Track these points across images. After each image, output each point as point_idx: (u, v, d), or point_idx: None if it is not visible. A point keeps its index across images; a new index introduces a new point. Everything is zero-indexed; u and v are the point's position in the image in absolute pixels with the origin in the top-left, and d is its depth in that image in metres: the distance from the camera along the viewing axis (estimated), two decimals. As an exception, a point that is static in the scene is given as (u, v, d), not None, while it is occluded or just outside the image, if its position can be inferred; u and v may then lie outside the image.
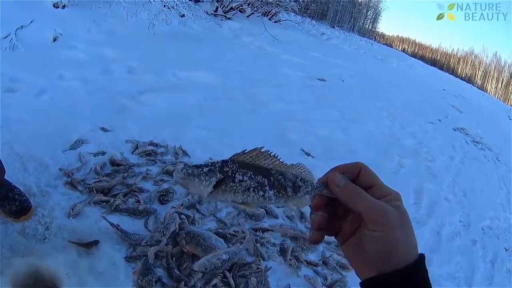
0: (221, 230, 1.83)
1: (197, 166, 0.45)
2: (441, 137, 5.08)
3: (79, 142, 2.26)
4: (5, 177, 1.58)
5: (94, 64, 3.74)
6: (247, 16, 8.70)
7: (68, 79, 3.25)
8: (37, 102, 2.72)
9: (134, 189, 1.96)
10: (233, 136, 2.94)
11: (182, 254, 1.61)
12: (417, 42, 45.51)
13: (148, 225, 1.75)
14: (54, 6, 4.70)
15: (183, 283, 1.46)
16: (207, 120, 3.14)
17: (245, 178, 0.45)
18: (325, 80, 5.84)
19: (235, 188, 0.45)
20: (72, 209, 1.69)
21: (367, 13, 28.41)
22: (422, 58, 31.69)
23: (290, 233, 1.97)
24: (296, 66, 6.12)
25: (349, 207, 0.45)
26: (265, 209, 2.10)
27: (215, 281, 1.51)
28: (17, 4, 4.12)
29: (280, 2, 8.78)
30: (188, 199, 1.97)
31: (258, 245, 1.80)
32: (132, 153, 2.33)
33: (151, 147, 2.41)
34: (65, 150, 2.16)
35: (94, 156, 2.18)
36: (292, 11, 10.53)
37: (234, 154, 0.46)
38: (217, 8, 7.72)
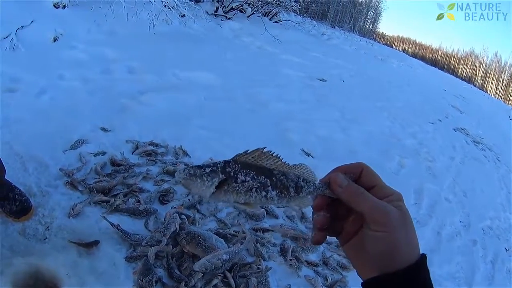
0: (221, 230, 1.83)
1: (199, 167, 0.45)
2: (441, 137, 5.08)
3: (79, 142, 2.26)
4: (6, 177, 1.58)
5: (95, 64, 3.74)
6: (248, 16, 8.70)
7: (68, 79, 3.25)
8: (38, 102, 2.72)
9: (135, 189, 1.95)
10: (233, 136, 2.94)
11: (183, 254, 1.61)
12: (417, 42, 45.54)
13: (149, 225, 1.75)
14: (54, 6, 4.70)
15: (183, 283, 1.46)
16: (207, 120, 3.14)
17: (248, 178, 0.45)
18: (325, 80, 5.84)
19: (237, 188, 0.45)
20: (73, 209, 1.68)
21: (367, 13, 28.43)
22: (423, 59, 31.70)
23: (291, 233, 1.97)
24: (297, 66, 6.12)
25: (352, 207, 0.45)
26: (266, 209, 2.10)
27: (215, 281, 1.51)
28: (18, 4, 4.13)
29: (280, 2, 8.78)
30: (189, 199, 1.97)
31: (258, 245, 1.80)
32: (132, 153, 2.33)
33: (152, 147, 2.41)
34: (66, 150, 2.16)
35: (95, 156, 2.18)
36: (293, 11, 10.54)
37: (236, 155, 0.46)
38: (217, 8, 7.73)
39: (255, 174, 0.45)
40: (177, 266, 1.55)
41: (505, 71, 33.10)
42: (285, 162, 0.48)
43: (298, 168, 0.49)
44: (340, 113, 4.42)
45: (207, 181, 0.44)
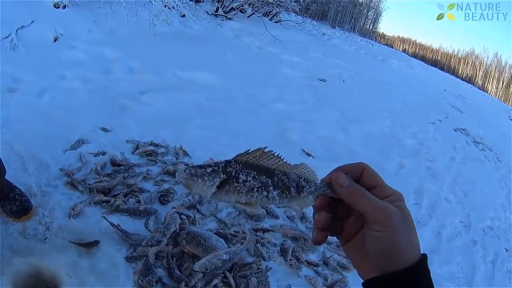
0: (221, 231, 1.83)
1: (200, 167, 0.45)
2: (441, 137, 5.08)
3: (79, 142, 2.26)
4: (6, 177, 1.58)
5: (95, 64, 3.74)
6: (248, 16, 8.71)
7: (68, 79, 3.25)
8: (38, 102, 2.72)
9: (135, 189, 1.95)
10: (233, 136, 2.94)
11: (183, 255, 1.61)
12: (417, 42, 45.44)
13: (149, 225, 1.75)
14: (54, 6, 4.71)
15: (183, 283, 1.46)
16: (207, 120, 3.14)
17: (249, 178, 0.45)
18: (325, 81, 5.83)
19: (238, 188, 0.45)
20: (73, 209, 1.68)
21: (367, 13, 28.41)
22: (423, 59, 31.67)
23: (291, 233, 1.97)
24: (297, 66, 6.12)
25: (353, 207, 0.45)
26: (266, 210, 2.10)
27: (215, 281, 1.51)
28: (18, 4, 4.13)
29: (280, 2, 8.78)
30: (189, 199, 1.97)
31: (258, 245, 1.80)
32: (132, 153, 2.32)
33: (152, 147, 2.41)
34: (66, 150, 2.16)
35: (95, 156, 2.17)
36: (293, 12, 10.54)
37: (238, 154, 0.46)
38: (217, 8, 7.73)
39: (256, 174, 0.45)
40: (177, 266, 1.55)
41: (505, 71, 33.08)
42: (286, 162, 0.48)
43: (299, 168, 0.49)
44: (340, 113, 4.41)
45: (208, 181, 0.44)
